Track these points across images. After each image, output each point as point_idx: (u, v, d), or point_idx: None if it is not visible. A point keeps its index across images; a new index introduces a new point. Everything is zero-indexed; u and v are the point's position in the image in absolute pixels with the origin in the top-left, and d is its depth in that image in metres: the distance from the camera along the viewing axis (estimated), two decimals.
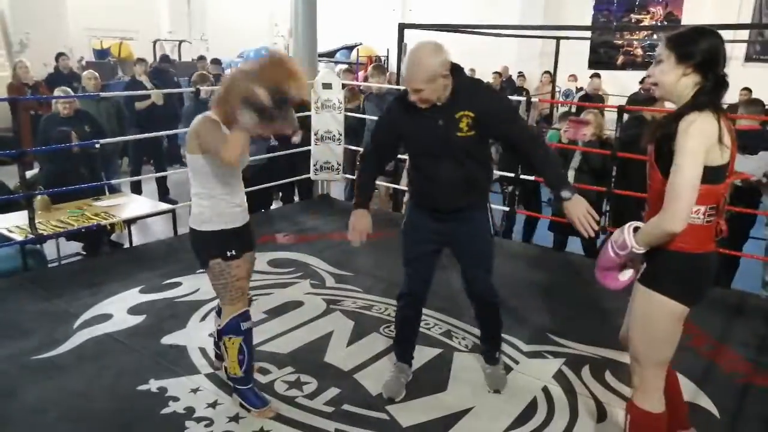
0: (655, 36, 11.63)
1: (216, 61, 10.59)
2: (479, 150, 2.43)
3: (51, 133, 4.77)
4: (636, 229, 1.84)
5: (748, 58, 10.73)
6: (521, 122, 2.68)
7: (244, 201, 2.50)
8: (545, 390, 2.67)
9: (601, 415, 2.50)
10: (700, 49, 1.74)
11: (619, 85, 10.58)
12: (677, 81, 1.77)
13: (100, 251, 4.80)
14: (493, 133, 2.45)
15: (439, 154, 2.37)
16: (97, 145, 4.65)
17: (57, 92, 4.94)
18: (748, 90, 9.02)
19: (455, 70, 2.30)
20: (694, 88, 1.76)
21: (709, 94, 1.75)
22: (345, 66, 10.39)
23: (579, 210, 2.22)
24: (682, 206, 1.71)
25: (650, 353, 1.90)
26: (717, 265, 1.93)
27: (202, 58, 10.51)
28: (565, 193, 2.27)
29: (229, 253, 2.36)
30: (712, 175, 1.74)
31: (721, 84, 1.76)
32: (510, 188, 4.92)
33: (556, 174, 2.34)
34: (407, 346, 2.76)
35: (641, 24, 12.01)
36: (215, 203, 2.37)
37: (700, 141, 1.69)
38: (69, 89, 5.17)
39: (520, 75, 11.77)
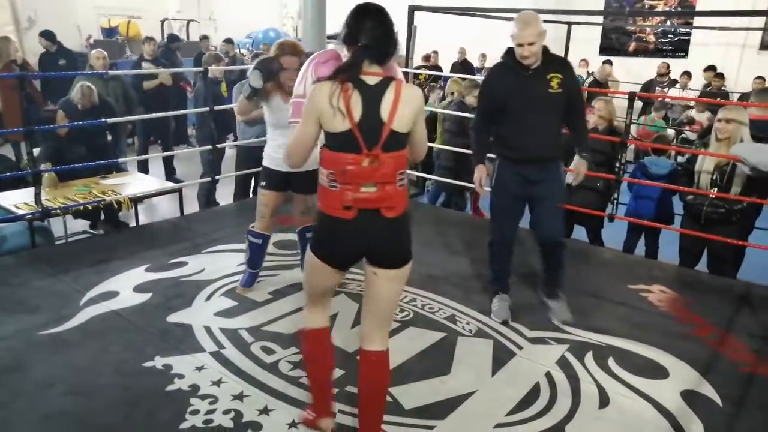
0: (668, 22, 11.42)
1: (229, 41, 10.54)
2: (562, 107, 2.91)
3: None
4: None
5: (764, 46, 10.53)
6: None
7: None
8: (548, 375, 2.67)
9: (604, 401, 2.51)
10: (344, 27, 1.84)
11: (632, 72, 10.44)
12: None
13: (109, 227, 4.84)
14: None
15: (533, 108, 2.87)
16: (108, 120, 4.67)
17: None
18: (761, 78, 8.88)
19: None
20: None
21: (346, 66, 1.81)
22: None
23: None
24: (287, 151, 1.95)
25: (306, 287, 2.11)
26: (366, 237, 1.87)
27: (205, 37, 10.38)
28: None
29: (263, 183, 3.23)
30: (330, 140, 1.84)
31: (358, 57, 1.80)
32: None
33: None
34: (504, 276, 3.27)
35: (654, 10, 11.80)
36: (269, 145, 3.20)
37: (308, 105, 1.84)
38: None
39: None
